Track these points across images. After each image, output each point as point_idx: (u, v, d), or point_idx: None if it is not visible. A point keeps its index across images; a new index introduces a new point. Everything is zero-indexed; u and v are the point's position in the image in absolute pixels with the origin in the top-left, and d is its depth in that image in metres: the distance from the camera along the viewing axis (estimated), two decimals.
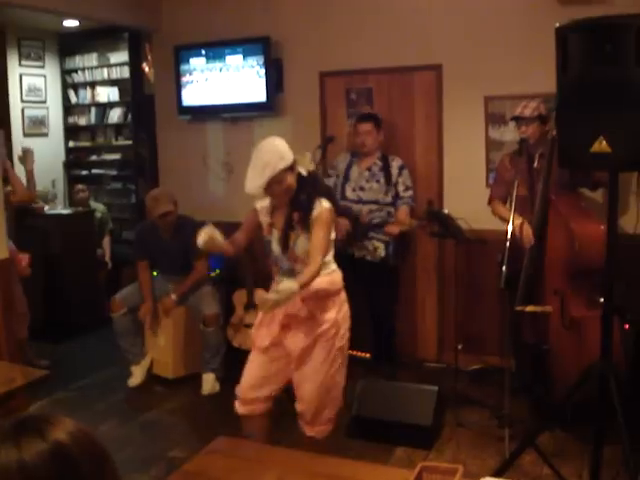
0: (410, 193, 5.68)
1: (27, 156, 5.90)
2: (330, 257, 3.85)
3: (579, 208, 4.71)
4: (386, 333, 5.89)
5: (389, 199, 5.65)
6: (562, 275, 4.59)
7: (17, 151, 7.97)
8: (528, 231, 4.67)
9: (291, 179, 3.64)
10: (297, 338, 3.79)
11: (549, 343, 4.69)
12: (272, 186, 3.59)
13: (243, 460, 2.83)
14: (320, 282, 3.71)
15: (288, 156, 3.63)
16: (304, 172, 3.74)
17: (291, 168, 3.64)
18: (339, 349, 3.84)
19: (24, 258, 5.75)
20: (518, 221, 4.64)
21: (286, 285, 3.38)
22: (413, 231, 5.73)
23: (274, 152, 3.61)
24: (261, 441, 3.77)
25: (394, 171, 5.67)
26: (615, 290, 3.39)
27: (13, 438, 1.29)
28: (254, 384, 3.86)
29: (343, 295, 3.93)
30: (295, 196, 3.70)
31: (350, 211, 5.64)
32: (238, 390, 3.90)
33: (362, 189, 5.68)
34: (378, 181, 5.66)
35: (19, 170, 5.91)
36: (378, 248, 5.58)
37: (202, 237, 3.59)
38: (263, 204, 3.87)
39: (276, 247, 3.79)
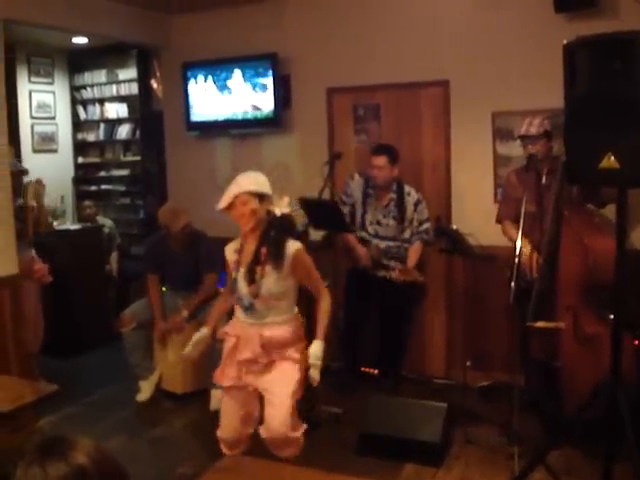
0: (425, 226, 5.64)
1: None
2: (294, 304, 3.96)
3: (592, 223, 4.68)
4: (395, 350, 5.89)
5: (407, 236, 5.64)
6: (575, 291, 4.55)
7: (27, 167, 8.06)
8: (536, 261, 4.67)
9: (258, 206, 3.74)
10: (256, 377, 3.90)
11: (561, 360, 4.64)
12: (237, 205, 3.72)
13: (251, 478, 2.82)
14: (282, 331, 3.86)
15: (262, 186, 3.77)
16: (278, 212, 3.81)
17: (261, 197, 3.75)
18: (298, 381, 3.89)
19: (42, 268, 5.76)
20: (527, 249, 4.63)
21: (315, 350, 3.75)
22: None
23: (250, 178, 3.81)
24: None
25: (409, 207, 5.63)
26: (627, 306, 3.38)
27: (38, 461, 1.33)
28: (231, 428, 3.98)
29: (303, 344, 3.94)
30: (264, 232, 3.79)
31: (351, 227, 5.64)
32: (219, 433, 4.03)
33: (379, 224, 5.68)
34: (394, 217, 5.64)
35: None
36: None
37: (191, 352, 4.07)
38: (230, 245, 3.98)
39: (241, 283, 3.84)
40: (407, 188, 5.67)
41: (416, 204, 5.63)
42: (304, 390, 3.96)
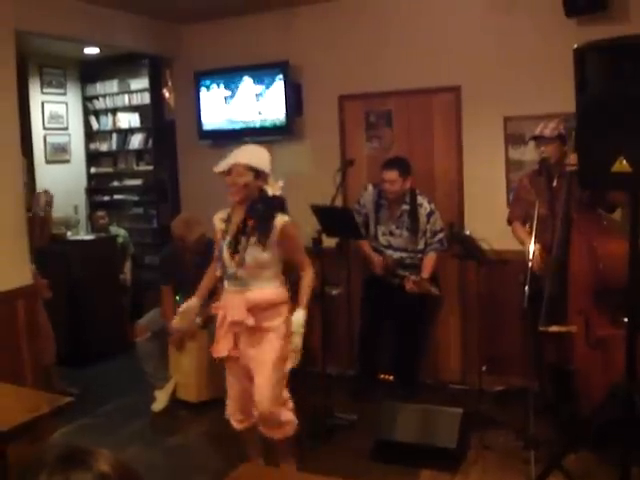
0: (439, 237, 5.64)
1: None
2: (279, 273, 4.07)
3: (601, 227, 4.68)
4: (411, 357, 5.89)
5: (420, 246, 5.66)
6: (586, 294, 4.54)
7: (40, 178, 8.09)
8: (538, 260, 4.66)
9: (251, 181, 3.86)
10: (248, 350, 4.02)
11: (574, 363, 4.63)
12: (232, 174, 3.87)
13: None
14: (266, 293, 3.98)
15: (261, 163, 3.89)
16: (270, 193, 3.93)
17: (258, 173, 3.87)
18: (285, 350, 3.99)
19: (41, 283, 5.78)
20: (536, 247, 4.63)
21: (298, 317, 3.90)
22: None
23: (251, 152, 3.98)
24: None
25: (422, 219, 5.63)
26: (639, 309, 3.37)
27: (61, 472, 1.33)
28: (235, 402, 4.20)
29: (287, 307, 4.07)
30: (252, 205, 3.91)
31: (364, 233, 5.66)
32: (227, 410, 4.25)
33: (392, 234, 5.69)
34: (407, 229, 5.64)
35: None
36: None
37: (179, 322, 4.20)
38: (219, 214, 4.13)
39: (226, 252, 3.96)
40: (420, 199, 5.66)
41: (429, 215, 5.62)
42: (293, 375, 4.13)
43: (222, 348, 4.07)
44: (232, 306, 3.98)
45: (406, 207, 5.65)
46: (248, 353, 4.02)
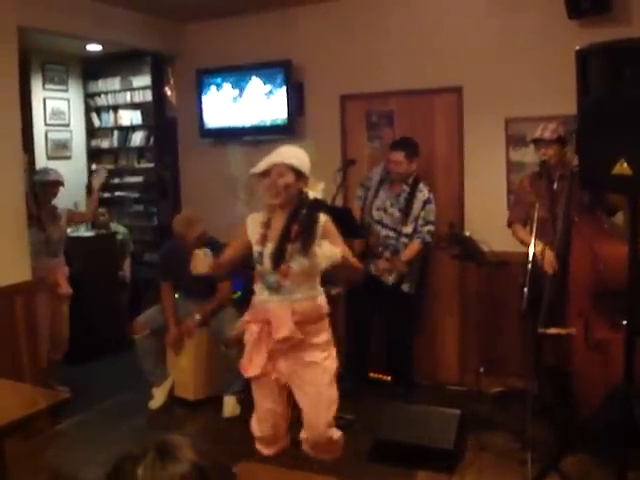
0: (428, 228, 5.63)
1: (96, 175, 6.42)
2: (319, 281, 3.80)
3: (602, 229, 4.68)
4: (401, 358, 5.88)
5: (409, 230, 5.64)
6: (586, 297, 4.54)
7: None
8: (550, 257, 4.66)
9: (293, 182, 3.57)
10: (286, 365, 3.74)
11: (573, 365, 4.63)
12: (272, 174, 3.57)
13: None
14: (314, 303, 3.73)
15: (302, 164, 3.60)
16: (311, 196, 3.63)
17: (299, 175, 3.58)
18: (332, 369, 3.78)
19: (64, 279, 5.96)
20: (540, 247, 4.63)
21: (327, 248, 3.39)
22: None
23: (293, 151, 3.66)
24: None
25: (417, 204, 5.63)
26: (638, 312, 3.37)
27: (159, 463, 1.44)
28: (266, 423, 3.85)
29: (327, 319, 3.84)
30: (295, 210, 3.63)
31: (364, 233, 5.64)
32: (255, 430, 3.90)
33: (385, 211, 5.68)
34: (400, 210, 5.65)
35: None
36: (389, 278, 5.60)
37: (198, 265, 3.71)
38: (255, 216, 3.79)
39: (267, 260, 3.65)
40: (421, 186, 5.69)
41: (425, 202, 5.64)
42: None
43: (256, 366, 3.73)
44: (277, 319, 3.64)
45: (406, 188, 5.68)
46: (289, 371, 3.74)
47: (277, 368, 3.75)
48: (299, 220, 3.61)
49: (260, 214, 3.77)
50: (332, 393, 3.78)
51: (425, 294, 6.03)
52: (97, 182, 6.41)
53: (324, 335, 3.76)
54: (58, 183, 6.08)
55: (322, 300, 3.79)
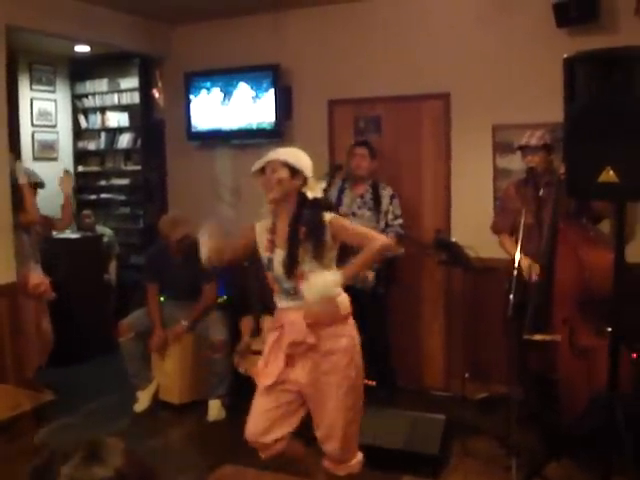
0: (399, 222, 5.71)
1: (64, 179, 6.13)
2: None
3: (587, 237, 4.70)
4: (382, 358, 5.87)
5: (381, 226, 5.65)
6: (571, 304, 4.56)
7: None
8: (536, 270, 4.66)
9: (287, 178, 3.50)
10: (304, 373, 3.56)
11: (558, 372, 4.64)
12: (267, 171, 3.53)
13: None
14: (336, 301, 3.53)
15: (299, 163, 3.55)
16: (310, 196, 3.57)
17: (294, 172, 3.52)
18: (356, 379, 3.59)
19: (41, 284, 5.68)
20: (526, 262, 4.64)
21: (328, 278, 3.32)
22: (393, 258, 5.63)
23: (290, 150, 3.64)
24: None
25: (385, 200, 5.73)
26: (623, 319, 3.38)
27: (84, 467, 1.43)
28: (261, 430, 3.58)
29: (352, 321, 3.64)
30: (298, 212, 3.55)
31: None
32: (247, 435, 3.64)
33: (354, 215, 5.69)
34: (370, 209, 5.71)
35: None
36: (369, 276, 5.57)
37: (206, 253, 3.61)
38: (263, 223, 3.70)
39: (278, 267, 3.54)
40: (383, 185, 5.82)
41: (392, 197, 5.75)
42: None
43: (271, 373, 3.57)
44: (290, 324, 3.53)
45: (369, 188, 5.78)
46: (305, 379, 3.55)
47: (294, 376, 3.58)
48: (303, 221, 3.53)
49: (264, 221, 3.70)
50: (354, 405, 3.60)
51: (392, 292, 5.98)
52: (66, 187, 6.22)
53: (344, 340, 3.56)
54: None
55: (341, 300, 3.58)
